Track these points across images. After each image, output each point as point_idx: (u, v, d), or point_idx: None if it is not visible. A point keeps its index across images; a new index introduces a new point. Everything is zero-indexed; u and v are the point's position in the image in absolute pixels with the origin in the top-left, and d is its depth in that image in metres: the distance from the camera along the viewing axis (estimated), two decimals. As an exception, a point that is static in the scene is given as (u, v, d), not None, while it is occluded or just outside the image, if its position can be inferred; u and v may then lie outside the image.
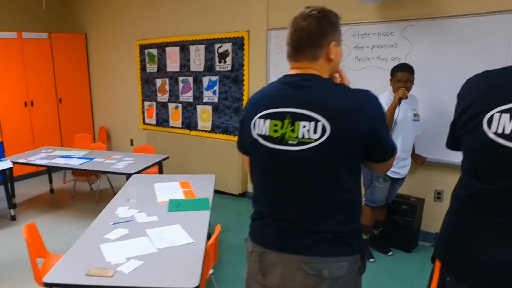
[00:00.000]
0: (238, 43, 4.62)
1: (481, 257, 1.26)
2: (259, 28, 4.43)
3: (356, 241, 1.45)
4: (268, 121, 1.43)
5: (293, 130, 1.37)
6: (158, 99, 5.72)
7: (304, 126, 1.35)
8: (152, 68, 5.69)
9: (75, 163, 4.38)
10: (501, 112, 1.17)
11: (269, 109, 1.43)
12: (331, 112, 1.32)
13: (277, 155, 1.42)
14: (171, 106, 5.57)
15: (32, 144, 6.02)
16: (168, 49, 5.39)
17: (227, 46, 4.72)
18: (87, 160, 4.47)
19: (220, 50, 4.78)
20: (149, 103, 5.86)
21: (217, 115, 5.03)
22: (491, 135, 1.20)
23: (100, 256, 2.20)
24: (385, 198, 3.36)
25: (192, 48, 5.07)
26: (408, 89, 3.09)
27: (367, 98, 1.35)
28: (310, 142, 1.34)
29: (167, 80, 5.53)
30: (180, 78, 5.34)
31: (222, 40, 4.75)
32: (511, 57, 3.07)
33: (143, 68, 5.81)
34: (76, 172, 5.03)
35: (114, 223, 2.68)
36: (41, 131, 6.20)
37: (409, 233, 3.60)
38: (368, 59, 3.74)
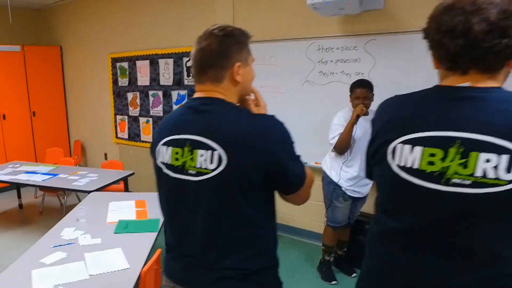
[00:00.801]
0: (206, 57, 4.53)
1: None
2: (226, 41, 4.34)
3: (267, 279, 1.33)
4: (170, 148, 1.32)
5: (192, 159, 1.26)
6: (130, 113, 5.61)
7: (201, 155, 1.24)
8: (123, 81, 5.59)
9: (38, 179, 4.26)
10: (403, 142, 1.07)
11: (171, 135, 1.32)
12: (228, 141, 1.21)
13: (178, 185, 1.31)
14: (142, 120, 5.46)
15: (4, 159, 5.89)
16: (138, 63, 5.31)
17: (195, 60, 4.64)
18: (51, 176, 4.35)
19: (189, 64, 4.70)
20: (121, 117, 5.75)
21: (186, 130, 4.93)
22: (394, 167, 1.10)
23: (28, 284, 2.08)
24: (347, 217, 3.24)
25: (161, 61, 4.99)
26: (367, 106, 3.00)
27: (269, 127, 1.23)
28: (208, 173, 1.23)
29: (138, 94, 5.43)
30: (150, 92, 5.25)
31: (190, 54, 4.66)
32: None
33: (115, 81, 5.71)
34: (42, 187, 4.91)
35: (54, 246, 2.55)
36: (13, 145, 6.07)
37: (373, 253, 3.48)
38: (332, 73, 3.66)
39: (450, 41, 0.99)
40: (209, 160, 1.22)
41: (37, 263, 2.30)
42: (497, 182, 0.93)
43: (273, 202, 1.34)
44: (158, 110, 5.23)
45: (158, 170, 1.38)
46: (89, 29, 5.96)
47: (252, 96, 1.44)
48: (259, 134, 1.20)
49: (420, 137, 1.03)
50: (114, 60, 5.64)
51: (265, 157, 1.19)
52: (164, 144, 1.34)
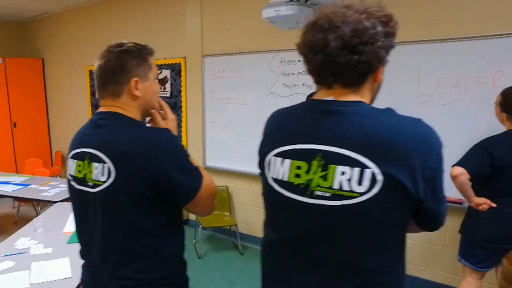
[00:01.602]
0: (176, 70, 4.62)
1: None
2: (195, 54, 4.43)
3: None
4: (74, 161, 1.38)
5: (90, 171, 1.31)
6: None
7: (96, 168, 1.29)
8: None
9: (9, 189, 4.30)
10: (276, 155, 1.10)
11: (76, 148, 1.39)
12: (115, 155, 1.26)
13: (82, 196, 1.37)
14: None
15: (-16, 169, 5.93)
16: (114, 75, 5.38)
17: (166, 73, 4.71)
18: (22, 187, 4.38)
19: (160, 77, 4.77)
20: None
21: (159, 141, 4.98)
22: (270, 180, 1.13)
23: (-32, 292, 2.11)
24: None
25: (135, 74, 5.06)
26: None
27: (154, 139, 1.26)
28: (100, 185, 1.28)
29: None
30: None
31: (161, 67, 4.75)
32: (423, 85, 3.05)
33: (93, 93, 5.79)
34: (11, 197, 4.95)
35: (5, 255, 2.58)
36: (-7, 155, 6.13)
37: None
38: (295, 85, 3.72)
39: (312, 56, 1.03)
40: (101, 173, 1.28)
41: (-16, 272, 2.33)
42: (351, 194, 0.96)
43: (173, 213, 1.36)
44: (132, 122, 5.28)
45: (67, 181, 1.44)
46: (69, 42, 6.06)
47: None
48: (143, 147, 1.24)
49: (289, 149, 1.06)
50: (92, 73, 5.71)
51: (149, 169, 1.22)
52: (71, 157, 1.40)
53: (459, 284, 2.61)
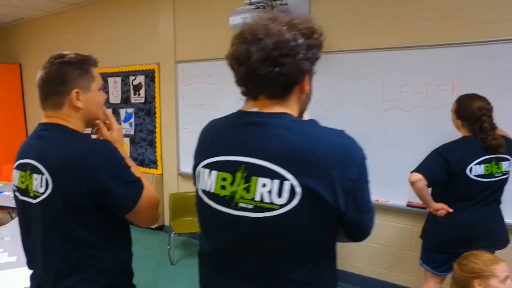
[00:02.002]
0: (150, 76, 4.62)
1: None
2: (168, 61, 4.44)
3: None
4: (18, 172, 1.39)
5: (31, 183, 1.32)
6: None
7: (36, 179, 1.30)
8: (77, 99, 5.64)
9: (-20, 197, 4.26)
10: (204, 167, 1.10)
11: (19, 159, 1.40)
12: (52, 166, 1.27)
13: (25, 207, 1.38)
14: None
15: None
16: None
17: (140, 79, 4.71)
18: (-4, 194, 4.35)
19: (135, 83, 4.76)
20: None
21: (134, 147, 4.96)
22: (199, 191, 1.14)
23: None
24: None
25: (111, 80, 5.05)
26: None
27: (91, 150, 1.28)
28: (39, 196, 1.29)
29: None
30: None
31: (135, 73, 4.75)
32: (387, 91, 3.10)
33: (70, 99, 5.76)
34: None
35: None
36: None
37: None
38: (265, 92, 3.75)
39: (238, 68, 1.04)
40: (40, 184, 1.29)
41: None
42: (272, 206, 0.97)
43: (115, 223, 1.36)
44: (108, 127, 5.27)
45: (13, 192, 1.44)
46: (47, 47, 6.01)
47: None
48: (80, 159, 1.25)
49: (216, 161, 1.06)
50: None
51: (86, 181, 1.23)
52: (15, 167, 1.41)
53: (422, 288, 2.65)
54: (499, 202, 2.42)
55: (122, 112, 5.00)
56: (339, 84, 3.34)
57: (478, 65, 2.74)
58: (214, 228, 1.10)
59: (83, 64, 1.37)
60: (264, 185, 0.97)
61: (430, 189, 2.44)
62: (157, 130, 4.69)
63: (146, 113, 4.74)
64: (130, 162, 1.38)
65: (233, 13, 3.11)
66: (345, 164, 0.96)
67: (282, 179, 0.95)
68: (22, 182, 1.36)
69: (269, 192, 0.97)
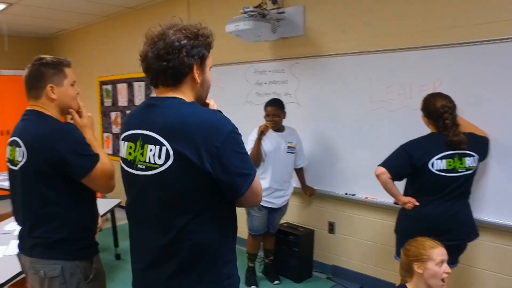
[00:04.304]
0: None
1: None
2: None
3: (68, 247, 1.72)
4: (9, 147, 1.82)
5: (15, 154, 1.75)
6: (113, 131, 6.14)
7: (18, 151, 1.72)
8: (108, 102, 6.16)
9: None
10: (122, 139, 1.41)
11: (11, 137, 1.80)
12: (28, 141, 1.68)
13: (11, 173, 1.82)
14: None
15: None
16: (119, 86, 5.86)
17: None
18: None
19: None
20: (107, 134, 6.29)
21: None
22: (120, 159, 1.44)
23: None
24: (265, 226, 3.48)
25: (136, 84, 5.49)
26: (276, 123, 3.30)
27: (57, 130, 1.68)
28: (18, 164, 1.72)
29: (119, 113, 5.95)
30: (127, 112, 5.74)
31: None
32: (374, 92, 3.23)
33: (102, 102, 6.29)
34: None
35: None
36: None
37: (297, 263, 3.68)
38: (266, 94, 3.98)
39: (142, 63, 1.35)
40: (19, 154, 1.71)
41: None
42: (155, 166, 1.26)
43: (77, 188, 1.71)
44: (134, 128, 5.71)
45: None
46: (82, 55, 6.61)
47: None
48: (46, 135, 1.66)
49: (127, 134, 1.38)
50: (101, 83, 6.22)
51: (49, 152, 1.63)
52: (8, 144, 1.82)
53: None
54: (466, 197, 2.49)
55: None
56: (329, 85, 3.51)
57: (458, 66, 2.81)
58: (128, 186, 1.40)
59: (57, 65, 1.78)
60: (151, 150, 1.26)
61: (404, 183, 2.57)
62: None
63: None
64: (94, 142, 1.78)
65: (228, 22, 3.37)
66: (210, 134, 1.21)
67: (161, 145, 1.24)
68: (11, 155, 1.78)
69: (153, 155, 1.25)
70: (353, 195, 3.49)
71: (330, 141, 3.57)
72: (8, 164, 1.81)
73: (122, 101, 5.86)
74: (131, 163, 1.34)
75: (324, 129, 3.61)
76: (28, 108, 1.77)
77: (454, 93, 2.52)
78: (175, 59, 1.26)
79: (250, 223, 3.47)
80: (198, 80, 1.34)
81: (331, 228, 3.77)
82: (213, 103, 1.49)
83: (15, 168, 1.74)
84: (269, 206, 3.38)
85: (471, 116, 2.65)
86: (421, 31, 2.97)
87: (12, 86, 6.62)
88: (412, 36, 3.01)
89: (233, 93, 4.28)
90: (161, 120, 1.26)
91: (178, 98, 1.31)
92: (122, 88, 5.81)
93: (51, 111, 1.75)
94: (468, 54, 2.77)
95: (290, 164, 3.44)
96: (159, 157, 1.24)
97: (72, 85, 1.82)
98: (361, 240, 3.58)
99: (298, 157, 3.50)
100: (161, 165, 1.24)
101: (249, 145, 3.31)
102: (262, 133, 3.20)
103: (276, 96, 3.82)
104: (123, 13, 5.57)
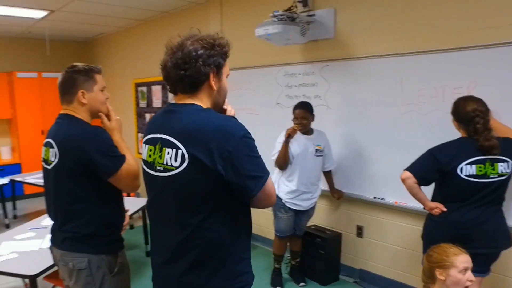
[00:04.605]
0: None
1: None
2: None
3: (97, 242, 1.83)
4: (43, 148, 1.96)
5: (49, 155, 1.89)
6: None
7: (51, 152, 1.86)
8: (143, 103, 6.35)
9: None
10: (144, 143, 1.50)
11: (46, 139, 1.94)
12: (60, 143, 1.82)
13: (45, 172, 1.95)
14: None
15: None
16: (153, 87, 6.03)
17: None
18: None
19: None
20: (141, 134, 6.48)
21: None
22: (142, 160, 1.53)
23: None
24: (291, 228, 3.49)
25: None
26: (304, 126, 3.30)
27: (85, 133, 1.80)
28: (51, 164, 1.85)
29: (153, 114, 6.10)
30: (161, 113, 5.89)
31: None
32: (405, 95, 3.18)
33: (137, 103, 6.49)
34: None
35: (30, 228, 3.25)
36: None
37: (323, 266, 3.66)
38: (296, 96, 3.99)
39: (162, 72, 1.44)
40: (52, 155, 1.84)
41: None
42: (171, 168, 1.35)
43: (104, 188, 1.82)
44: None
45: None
46: (120, 58, 6.86)
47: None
48: (75, 138, 1.78)
49: (148, 138, 1.48)
50: (137, 85, 6.42)
51: (79, 154, 1.76)
52: (43, 145, 1.96)
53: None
54: (499, 203, 2.40)
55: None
56: (359, 88, 3.48)
57: (494, 68, 2.73)
58: (148, 186, 1.51)
59: (88, 72, 1.90)
60: (168, 153, 1.35)
61: (432, 189, 2.52)
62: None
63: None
64: (121, 144, 1.89)
65: (257, 26, 3.41)
66: (222, 139, 1.28)
67: (177, 148, 1.33)
68: (45, 155, 1.92)
69: (170, 158, 1.34)
70: (382, 199, 3.44)
71: (359, 144, 3.54)
72: (43, 163, 1.95)
73: (157, 102, 6.02)
74: (151, 165, 1.43)
75: (353, 132, 3.59)
76: (62, 112, 1.91)
77: (490, 96, 2.46)
78: (192, 68, 1.34)
79: (277, 224, 3.48)
80: (215, 88, 1.41)
81: (360, 232, 3.73)
82: (230, 108, 1.55)
83: (49, 167, 1.87)
84: (296, 208, 3.39)
85: (508, 120, 2.57)
86: (455, 32, 2.90)
87: (54, 88, 6.80)
88: (446, 37, 2.95)
89: (263, 95, 4.32)
90: (178, 125, 1.35)
91: (195, 104, 1.39)
92: (156, 90, 5.98)
93: (82, 114, 1.88)
94: (505, 55, 2.68)
95: (317, 167, 3.44)
96: (176, 160, 1.33)
97: (102, 90, 1.94)
98: (389, 245, 3.52)
99: (326, 160, 3.49)
100: (177, 167, 1.33)
101: (276, 148, 3.34)
102: (289, 136, 3.22)
103: (306, 99, 3.83)
104: (158, 17, 5.75)
